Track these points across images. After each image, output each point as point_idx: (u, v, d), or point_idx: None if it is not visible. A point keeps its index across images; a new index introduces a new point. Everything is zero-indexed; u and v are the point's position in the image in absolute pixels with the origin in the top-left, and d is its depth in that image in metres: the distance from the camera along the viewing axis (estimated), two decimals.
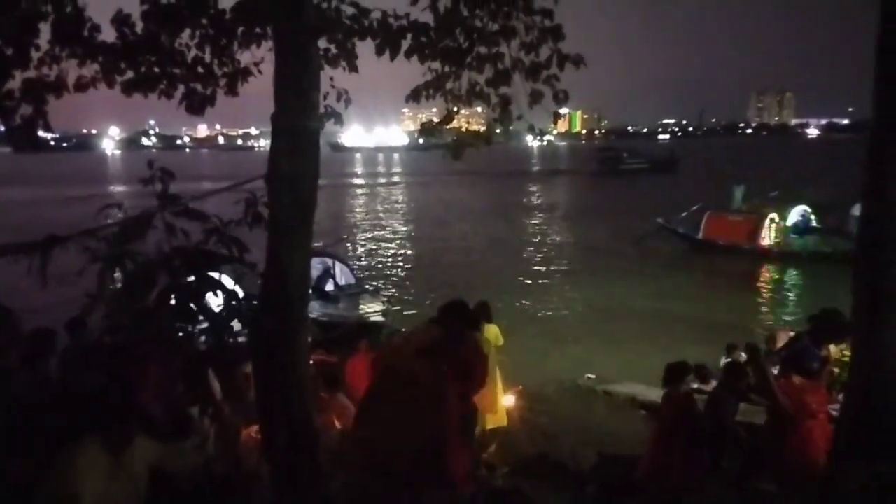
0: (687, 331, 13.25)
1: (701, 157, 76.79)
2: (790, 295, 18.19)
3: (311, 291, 12.00)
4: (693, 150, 79.40)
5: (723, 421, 5.04)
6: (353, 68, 4.97)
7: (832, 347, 6.73)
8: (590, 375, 9.60)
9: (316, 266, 12.49)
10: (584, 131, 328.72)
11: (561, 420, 7.43)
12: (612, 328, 13.88)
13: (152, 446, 2.85)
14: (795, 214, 22.40)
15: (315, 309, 11.17)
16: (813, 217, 22.54)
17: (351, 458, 3.68)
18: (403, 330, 10.97)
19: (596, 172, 65.19)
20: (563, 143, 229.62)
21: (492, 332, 6.58)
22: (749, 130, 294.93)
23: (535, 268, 21.63)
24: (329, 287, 12.66)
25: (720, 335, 10.95)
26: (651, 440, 5.16)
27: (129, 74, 4.15)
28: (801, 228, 22.16)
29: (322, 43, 4.72)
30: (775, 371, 5.37)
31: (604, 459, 5.61)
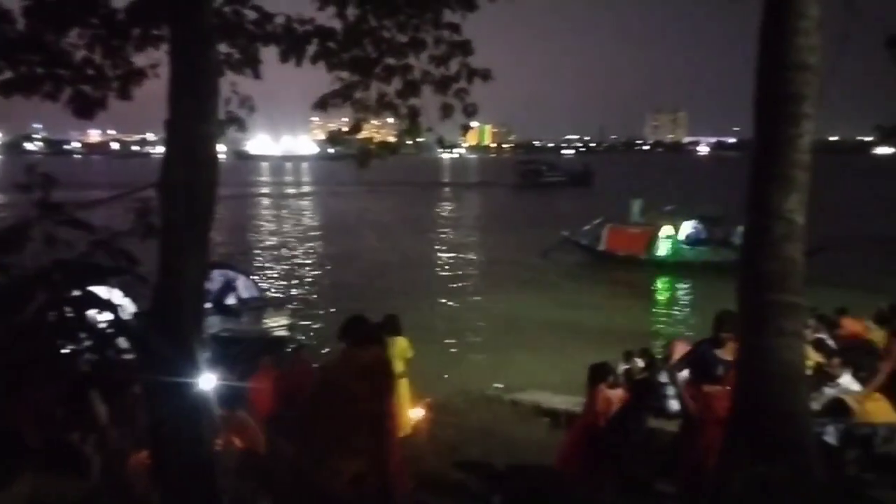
0: (589, 339, 13.74)
1: (610, 172, 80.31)
2: (684, 303, 19.29)
3: (210, 305, 11.52)
4: (601, 165, 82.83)
5: (628, 430, 5.19)
6: (257, 74, 4.82)
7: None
8: (497, 385, 9.74)
9: (216, 279, 12.01)
10: (493, 144, 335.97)
11: (467, 431, 7.46)
12: (519, 338, 14.20)
13: (31, 480, 2.59)
14: (688, 227, 23.78)
15: (215, 324, 10.71)
16: (704, 229, 24.00)
17: (281, 479, 3.52)
18: (307, 344, 10.79)
19: (518, 185, 66.78)
20: (474, 156, 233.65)
21: (400, 345, 6.54)
22: (646, 147, 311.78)
23: (446, 279, 21.82)
24: (230, 301, 12.17)
25: (620, 343, 11.41)
26: (567, 441, 5.25)
27: (8, 74, 3.82)
28: (693, 240, 23.55)
29: (224, 47, 4.55)
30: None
31: (509, 470, 5.67)
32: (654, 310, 18.46)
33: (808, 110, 3.74)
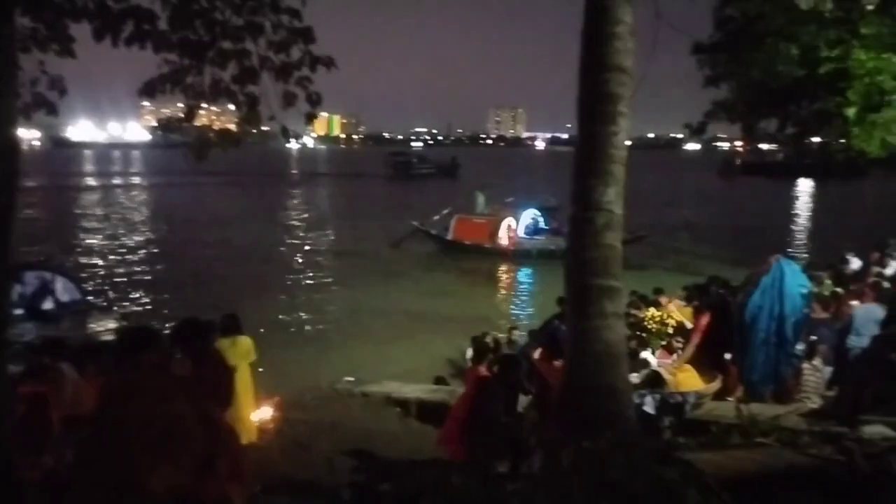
0: (440, 327, 14.12)
1: (473, 164, 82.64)
2: (525, 288, 20.40)
3: (22, 311, 10.22)
4: (465, 158, 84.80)
5: (491, 412, 5.28)
6: (69, 53, 4.34)
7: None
8: (348, 378, 9.66)
9: (30, 281, 10.73)
10: (342, 135, 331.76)
11: (318, 427, 7.33)
12: (371, 329, 14.21)
13: None
14: (527, 217, 25.17)
15: (29, 331, 9.54)
16: (542, 219, 25.53)
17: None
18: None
19: (390, 177, 67.13)
20: (323, 147, 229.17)
21: (243, 345, 6.25)
22: (489, 141, 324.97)
23: (295, 273, 21.26)
24: (48, 305, 10.91)
25: (469, 328, 11.81)
26: (450, 420, 5.29)
27: None
28: (533, 229, 24.99)
29: (29, 21, 4.05)
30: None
31: (359, 463, 5.65)
32: (500, 296, 19.34)
33: (623, 109, 4.08)
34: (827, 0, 6.66)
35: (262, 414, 6.75)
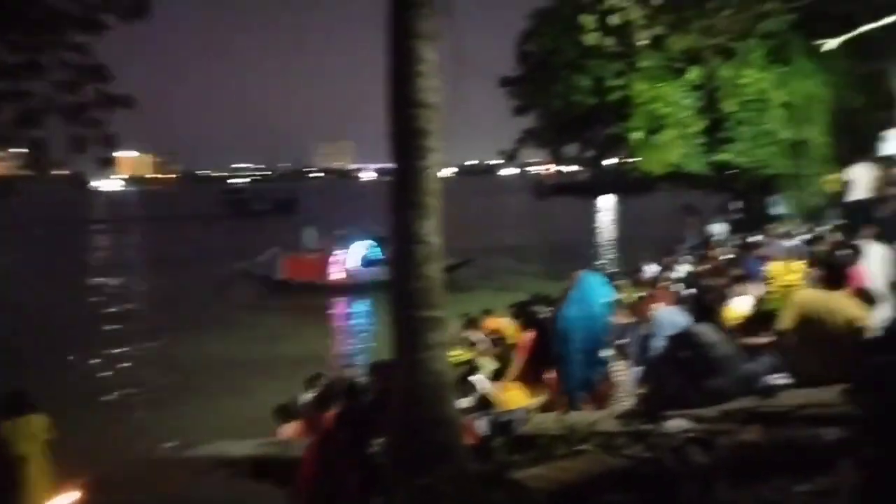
0: (274, 372, 13.42)
1: (310, 199, 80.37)
2: (363, 322, 20.23)
3: None
4: (291, 192, 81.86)
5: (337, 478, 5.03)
6: None
7: None
8: (170, 444, 8.79)
9: None
10: (157, 175, 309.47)
11: None
12: (196, 384, 13.16)
13: None
14: (361, 249, 25.03)
15: None
16: (376, 251, 25.49)
17: None
18: None
19: (226, 216, 63.27)
20: (133, 189, 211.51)
21: (33, 425, 5.42)
22: (317, 174, 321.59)
23: (105, 329, 19.16)
24: None
25: (307, 370, 11.40)
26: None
27: None
28: (367, 262, 24.87)
29: None
30: None
31: None
32: (336, 334, 18.96)
33: (433, 144, 4.21)
34: (608, 36, 7.42)
35: (62, 502, 5.90)
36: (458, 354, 7.64)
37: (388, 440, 4.05)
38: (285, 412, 8.89)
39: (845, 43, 13.36)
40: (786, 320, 4.84)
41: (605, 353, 6.80)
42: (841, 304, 4.66)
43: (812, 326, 4.66)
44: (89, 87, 4.83)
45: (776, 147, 15.84)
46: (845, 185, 11.77)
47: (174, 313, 20.74)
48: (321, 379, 10.24)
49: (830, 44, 13.10)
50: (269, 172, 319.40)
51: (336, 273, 23.36)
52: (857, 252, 7.42)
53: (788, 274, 7.65)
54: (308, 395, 10.12)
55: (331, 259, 23.42)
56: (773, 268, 8.22)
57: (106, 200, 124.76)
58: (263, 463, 7.07)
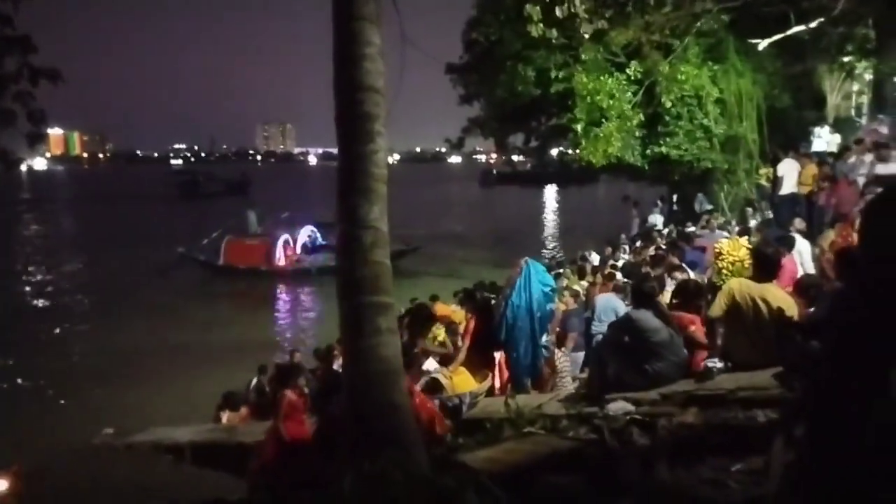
0: (217, 359, 13.15)
1: (262, 181, 78.05)
2: (307, 307, 19.97)
3: None
4: (234, 174, 79.07)
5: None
6: None
7: None
8: (108, 430, 8.49)
9: None
10: (85, 154, 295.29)
11: (72, 492, 6.35)
12: (137, 370, 12.71)
13: None
14: (304, 234, 24.67)
15: None
16: (319, 236, 25.18)
17: None
18: None
19: (176, 197, 60.72)
20: (60, 168, 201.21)
21: None
22: (258, 157, 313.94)
23: (42, 313, 18.27)
24: None
25: (251, 357, 11.20)
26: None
27: None
28: (310, 246, 24.55)
29: None
30: None
31: None
32: (280, 319, 18.66)
33: (380, 128, 4.15)
34: (552, 28, 7.49)
35: None
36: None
37: (337, 427, 4.02)
38: (231, 399, 8.75)
39: (776, 43, 14.04)
40: (718, 308, 5.05)
41: (549, 338, 6.95)
42: (771, 293, 4.89)
43: (743, 314, 4.88)
44: (12, 58, 4.57)
45: (710, 141, 16.47)
46: (775, 179, 12.33)
47: (110, 298, 19.92)
48: (268, 367, 10.13)
49: (762, 44, 13.73)
50: (206, 154, 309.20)
51: (280, 258, 22.93)
52: (787, 244, 7.79)
53: (737, 250, 7.97)
54: (255, 382, 10.00)
55: (274, 244, 22.96)
56: (721, 244, 8.54)
57: (33, 179, 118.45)
58: (208, 448, 6.93)
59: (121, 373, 12.68)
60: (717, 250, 8.34)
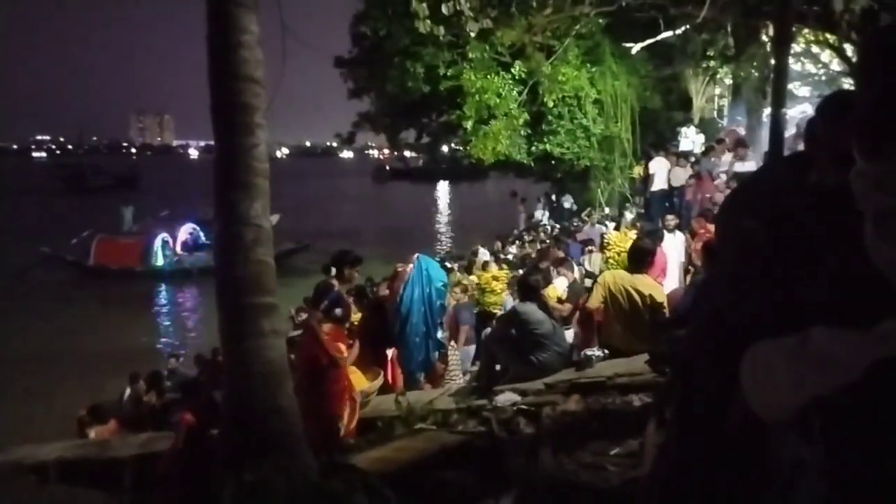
0: (86, 367, 12.18)
1: (152, 174, 72.45)
2: (187, 310, 18.93)
3: None
4: (136, 168, 72.65)
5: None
6: None
7: None
8: None
9: None
10: None
11: None
12: None
13: None
14: (184, 232, 23.32)
15: None
16: (202, 234, 23.88)
17: None
18: None
19: (62, 191, 56.24)
20: None
21: None
22: (133, 150, 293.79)
23: None
24: None
25: (124, 364, 10.48)
26: None
27: None
28: (191, 245, 23.24)
29: None
30: None
31: None
32: (158, 323, 17.56)
33: (260, 120, 3.98)
34: (440, 25, 7.52)
35: None
36: None
37: (219, 434, 3.81)
38: (98, 412, 8.14)
39: (648, 48, 14.97)
40: (595, 300, 5.31)
41: (441, 334, 7.00)
42: (642, 283, 5.19)
43: (618, 304, 5.15)
44: None
45: (589, 140, 17.31)
46: (646, 177, 13.15)
47: None
48: (140, 378, 9.52)
49: (635, 48, 14.60)
50: (73, 147, 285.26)
51: (157, 258, 21.56)
52: (658, 238, 8.31)
53: (623, 242, 8.41)
54: (129, 392, 9.36)
55: (150, 243, 21.55)
56: (610, 236, 8.97)
57: None
58: (78, 465, 6.39)
59: None
60: (606, 241, 8.79)
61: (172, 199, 31.11)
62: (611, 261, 8.29)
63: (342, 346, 5.40)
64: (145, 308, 18.76)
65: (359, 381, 6.08)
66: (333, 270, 5.78)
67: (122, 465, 6.06)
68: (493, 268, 9.97)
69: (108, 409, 8.31)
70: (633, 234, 8.86)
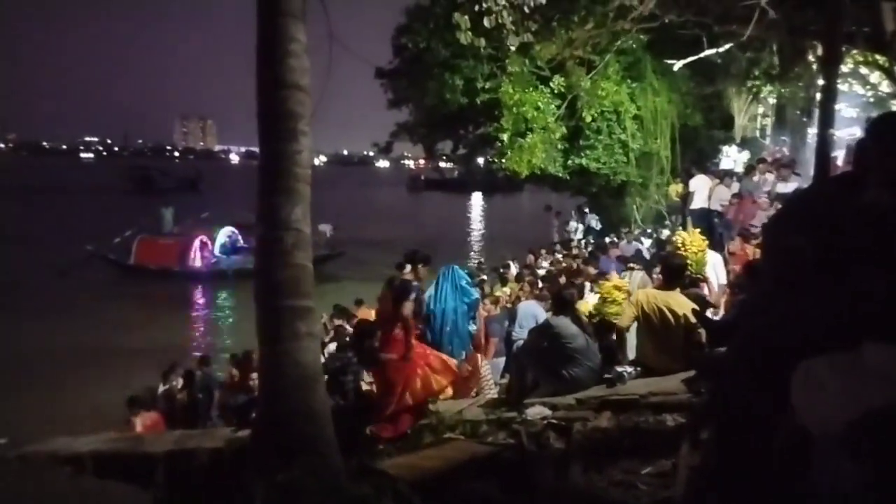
0: (126, 363, 12.48)
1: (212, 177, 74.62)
2: (221, 312, 19.26)
3: None
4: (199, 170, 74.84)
5: None
6: None
7: None
8: (1, 439, 7.87)
9: None
10: None
11: None
12: (33, 376, 11.84)
13: None
14: (223, 235, 23.80)
15: None
16: (240, 237, 24.32)
17: None
18: None
19: (130, 192, 58.73)
20: None
21: None
22: (177, 154, 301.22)
23: None
24: None
25: (161, 362, 10.70)
26: None
27: None
28: (230, 248, 23.69)
29: None
30: None
31: None
32: (194, 323, 17.91)
33: (304, 127, 4.06)
34: (481, 38, 7.59)
35: None
36: None
37: (251, 434, 3.88)
38: (137, 404, 8.31)
39: (689, 65, 14.82)
40: (626, 319, 5.25)
41: (471, 344, 7.01)
42: (676, 300, 5.12)
43: (651, 322, 5.09)
44: None
45: (627, 156, 17.18)
46: (686, 195, 12.97)
47: (9, 297, 18.44)
48: (171, 373, 9.70)
49: (677, 65, 14.47)
50: (119, 149, 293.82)
51: (195, 259, 22.04)
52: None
53: (698, 241, 8.33)
54: (163, 388, 9.56)
55: (190, 244, 22.04)
56: (681, 236, 8.90)
57: None
58: (112, 459, 6.54)
59: (16, 377, 11.79)
60: (679, 242, 8.71)
61: (233, 203, 31.67)
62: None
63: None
64: (182, 307, 19.18)
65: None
66: (408, 267, 5.83)
67: (155, 461, 6.18)
68: (615, 276, 9.80)
69: (145, 402, 8.50)
70: (699, 236, 8.73)
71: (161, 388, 9.71)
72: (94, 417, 9.48)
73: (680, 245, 8.58)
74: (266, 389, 3.92)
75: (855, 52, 10.32)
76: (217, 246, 23.18)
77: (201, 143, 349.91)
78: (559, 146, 16.80)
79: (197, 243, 22.27)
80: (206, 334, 16.70)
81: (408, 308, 5.43)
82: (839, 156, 9.87)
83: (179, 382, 9.66)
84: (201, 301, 20.27)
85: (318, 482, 2.97)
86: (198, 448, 5.82)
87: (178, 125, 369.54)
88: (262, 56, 4.01)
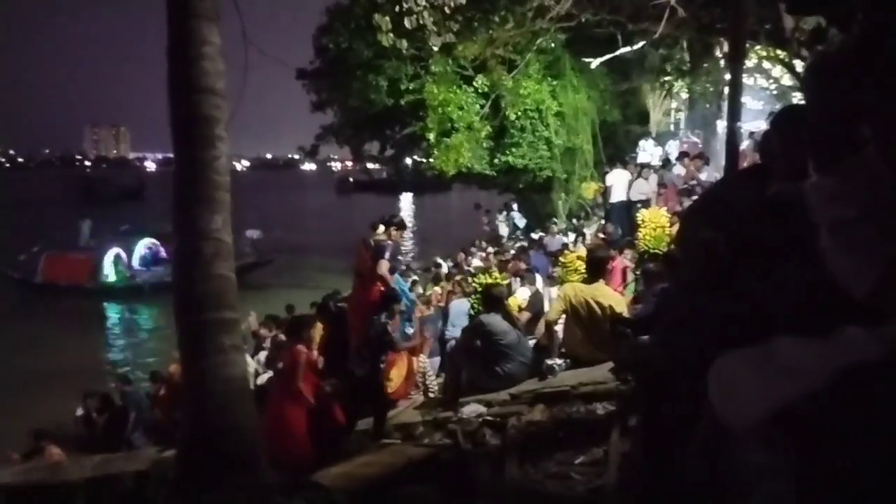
0: (35, 387, 11.69)
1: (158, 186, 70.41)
2: (142, 328, 18.40)
3: None
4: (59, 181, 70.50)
5: None
6: None
7: None
8: None
9: None
10: None
11: None
12: None
13: None
14: (143, 247, 22.66)
15: None
16: (161, 248, 23.10)
17: None
18: None
19: (73, 202, 53.76)
20: None
21: None
22: (88, 163, 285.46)
23: None
24: None
25: (75, 384, 10.11)
26: None
27: None
28: (150, 260, 22.59)
29: None
30: None
31: None
32: (109, 341, 17.02)
33: (221, 132, 3.90)
34: (403, 39, 7.55)
35: None
36: None
37: (176, 455, 3.70)
38: (44, 436, 7.86)
39: (606, 63, 15.30)
40: (554, 312, 5.36)
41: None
42: (601, 292, 5.27)
43: (579, 315, 5.21)
44: None
45: (551, 152, 17.57)
46: (605, 189, 13.38)
47: None
48: (93, 398, 9.22)
49: (594, 63, 14.90)
50: (24, 160, 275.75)
51: (108, 274, 20.89)
52: (622, 246, 8.44)
53: (659, 218, 8.49)
54: (81, 412, 9.05)
55: (101, 258, 20.85)
56: (643, 213, 9.06)
57: None
58: (23, 491, 6.10)
59: None
60: (641, 219, 8.88)
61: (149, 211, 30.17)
62: (646, 237, 8.30)
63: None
64: (96, 326, 18.18)
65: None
66: (382, 228, 6.53)
67: (75, 488, 5.83)
68: (581, 248, 9.79)
69: (51, 432, 8.04)
70: (664, 212, 8.93)
71: (79, 412, 9.20)
72: (10, 448, 8.86)
73: (640, 221, 8.83)
74: (191, 407, 3.75)
75: (758, 47, 10.91)
76: (136, 258, 22.06)
77: (114, 151, 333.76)
78: (485, 144, 17.00)
79: (109, 257, 21.11)
80: (123, 351, 15.92)
81: (384, 266, 5.71)
82: (747, 146, 10.40)
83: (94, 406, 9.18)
84: (117, 318, 19.29)
85: (248, 500, 2.86)
86: (121, 472, 5.51)
87: (88, 133, 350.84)
88: (173, 60, 3.83)
